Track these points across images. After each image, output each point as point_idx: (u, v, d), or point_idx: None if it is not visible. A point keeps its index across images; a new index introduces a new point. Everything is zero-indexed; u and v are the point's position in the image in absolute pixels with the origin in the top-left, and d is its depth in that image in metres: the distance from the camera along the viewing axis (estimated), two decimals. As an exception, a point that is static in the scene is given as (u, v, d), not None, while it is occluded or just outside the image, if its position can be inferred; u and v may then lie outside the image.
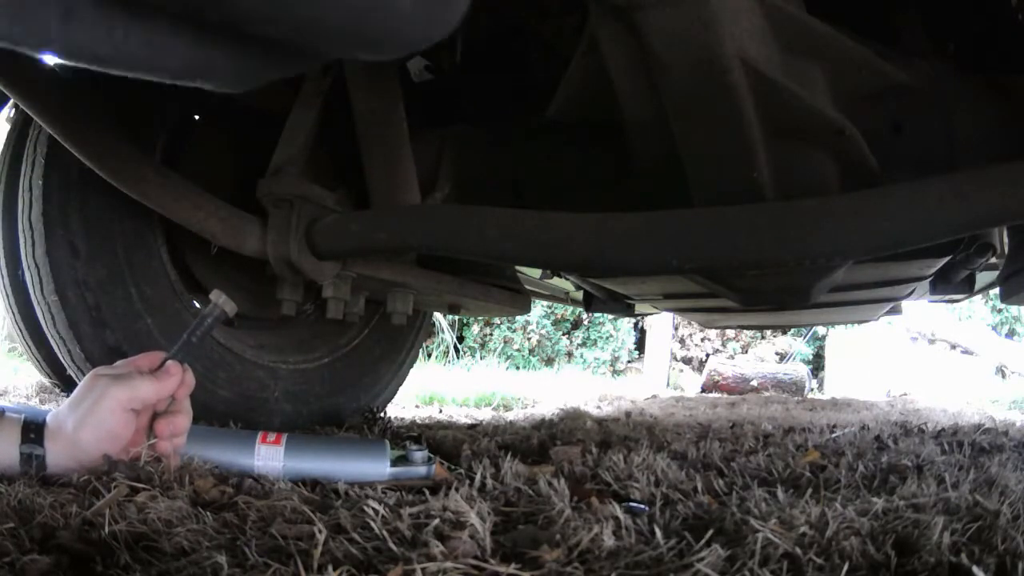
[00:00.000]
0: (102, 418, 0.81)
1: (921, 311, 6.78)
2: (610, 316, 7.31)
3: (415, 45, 0.45)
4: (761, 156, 0.97)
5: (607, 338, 8.47)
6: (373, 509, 0.79)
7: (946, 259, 1.40)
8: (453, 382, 3.87)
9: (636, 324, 8.39)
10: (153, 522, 0.70)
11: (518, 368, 7.17)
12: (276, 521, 0.76)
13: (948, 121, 1.08)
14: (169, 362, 0.87)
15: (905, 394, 5.45)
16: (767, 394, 5.41)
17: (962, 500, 0.93)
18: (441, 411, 2.71)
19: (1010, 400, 4.32)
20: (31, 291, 1.29)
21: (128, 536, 0.67)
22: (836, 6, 1.01)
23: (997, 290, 1.71)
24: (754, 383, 6.19)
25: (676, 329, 8.23)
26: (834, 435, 1.87)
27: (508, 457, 1.24)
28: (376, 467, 1.04)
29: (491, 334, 7.82)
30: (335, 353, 1.76)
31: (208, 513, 0.76)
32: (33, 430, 0.80)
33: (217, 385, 1.41)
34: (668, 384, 7.14)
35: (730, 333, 8.97)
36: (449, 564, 0.66)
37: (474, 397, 3.39)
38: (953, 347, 7.24)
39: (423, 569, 0.65)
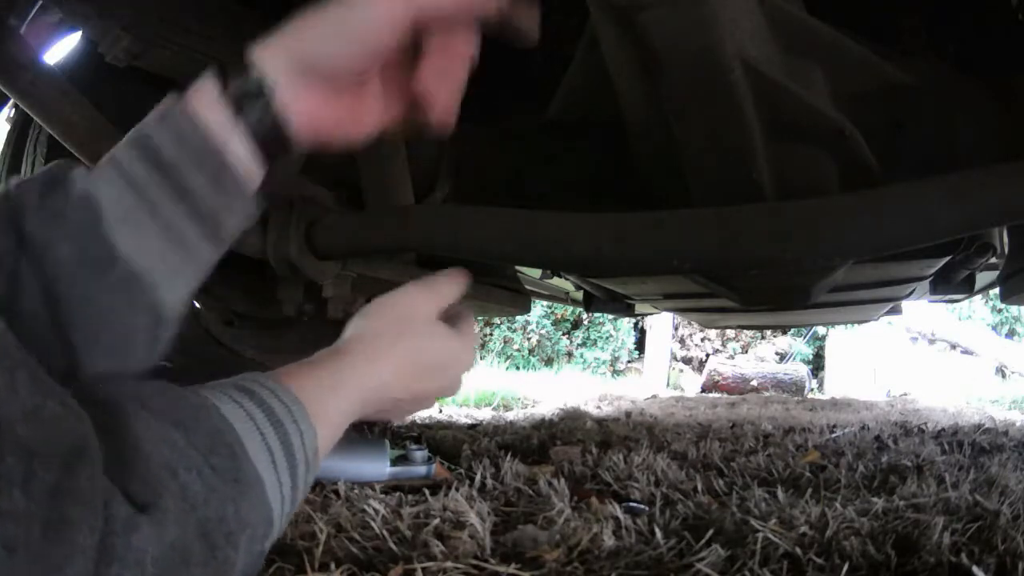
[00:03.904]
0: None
1: (921, 311, 6.78)
2: (610, 316, 7.30)
3: None
4: (761, 156, 0.97)
5: (607, 338, 8.47)
6: (373, 509, 0.80)
7: (946, 259, 1.40)
8: (453, 382, 3.86)
9: (636, 324, 8.39)
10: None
11: (518, 368, 7.16)
12: (276, 521, 0.76)
13: (948, 121, 1.08)
14: None
15: (905, 394, 5.45)
16: (767, 394, 5.41)
17: (962, 500, 0.94)
18: (441, 411, 2.71)
19: (1010, 400, 4.31)
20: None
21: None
22: (836, 6, 1.01)
23: (997, 290, 1.71)
24: (754, 383, 6.19)
25: (676, 329, 8.23)
26: (834, 435, 1.87)
27: (508, 457, 1.24)
28: (376, 467, 1.04)
29: (491, 334, 7.82)
30: (335, 353, 1.76)
31: (208, 513, 0.76)
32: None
33: (217, 385, 1.41)
34: (668, 384, 7.14)
35: (730, 333, 8.97)
36: (449, 564, 0.66)
37: (474, 397, 3.39)
38: (953, 347, 7.24)
39: (423, 569, 0.65)
